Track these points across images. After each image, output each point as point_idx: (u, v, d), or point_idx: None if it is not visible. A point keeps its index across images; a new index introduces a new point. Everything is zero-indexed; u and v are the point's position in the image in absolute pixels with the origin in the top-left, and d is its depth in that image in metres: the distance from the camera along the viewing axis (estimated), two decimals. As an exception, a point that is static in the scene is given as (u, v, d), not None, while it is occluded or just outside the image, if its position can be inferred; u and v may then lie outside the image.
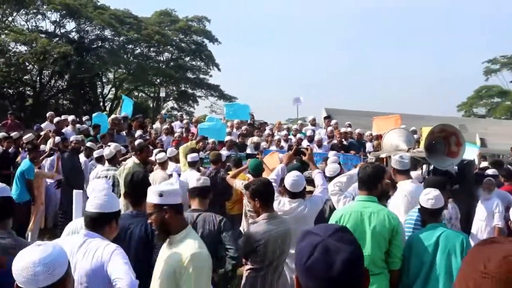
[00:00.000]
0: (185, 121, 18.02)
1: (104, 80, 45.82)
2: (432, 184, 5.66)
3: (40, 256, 2.41)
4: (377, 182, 5.01)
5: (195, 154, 10.24)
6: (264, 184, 5.29)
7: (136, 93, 48.30)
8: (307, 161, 7.04)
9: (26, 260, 2.41)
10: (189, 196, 5.48)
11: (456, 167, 8.80)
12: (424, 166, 9.57)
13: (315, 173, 6.47)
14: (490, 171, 9.72)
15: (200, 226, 5.19)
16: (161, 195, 3.67)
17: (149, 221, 3.73)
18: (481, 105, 55.35)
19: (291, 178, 5.88)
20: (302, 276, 1.77)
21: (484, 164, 11.92)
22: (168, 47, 48.41)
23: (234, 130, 16.26)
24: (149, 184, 4.74)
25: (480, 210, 8.66)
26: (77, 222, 4.55)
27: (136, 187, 4.53)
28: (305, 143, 14.85)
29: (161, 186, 3.93)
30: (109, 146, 10.69)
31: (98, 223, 3.60)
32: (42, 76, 38.58)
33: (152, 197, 3.69)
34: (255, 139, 14.96)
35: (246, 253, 5.11)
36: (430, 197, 4.86)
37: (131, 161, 8.79)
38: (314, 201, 5.97)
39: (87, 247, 3.52)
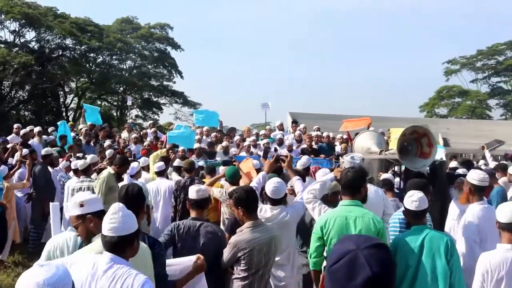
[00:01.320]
0: (153, 129, 17.90)
1: (66, 90, 45.15)
2: (414, 186, 5.73)
3: (44, 276, 2.34)
4: (360, 186, 5.03)
5: (161, 163, 10.16)
6: (247, 192, 5.27)
7: (99, 102, 47.71)
8: (286, 168, 7.06)
9: (30, 282, 2.34)
10: (189, 206, 5.50)
11: (428, 168, 8.89)
12: (396, 168, 9.68)
13: (295, 180, 6.49)
14: (460, 171, 9.87)
15: (203, 236, 5.21)
16: (82, 205, 3.66)
17: (76, 234, 3.65)
18: (443, 105, 56.32)
19: (272, 185, 5.88)
20: (326, 277, 1.78)
21: (453, 164, 12.10)
22: (131, 54, 48.22)
23: (204, 137, 16.20)
24: (144, 197, 4.64)
25: (453, 209, 8.77)
26: (60, 238, 4.45)
27: (132, 201, 4.42)
28: (273, 148, 14.92)
29: (79, 197, 3.89)
30: (79, 157, 10.58)
31: (119, 246, 3.41)
32: (2, 87, 37.80)
33: (73, 210, 3.64)
34: (224, 146, 14.94)
35: (232, 261, 5.09)
36: (414, 199, 4.88)
37: (106, 172, 8.69)
38: (296, 208, 5.98)
39: (115, 273, 3.30)
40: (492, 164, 12.31)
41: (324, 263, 5.04)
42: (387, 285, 1.74)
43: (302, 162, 9.41)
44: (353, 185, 5.01)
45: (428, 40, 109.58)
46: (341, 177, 5.16)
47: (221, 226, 8.49)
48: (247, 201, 5.18)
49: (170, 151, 12.67)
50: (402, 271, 4.75)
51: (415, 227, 4.92)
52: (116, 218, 3.39)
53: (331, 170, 7.13)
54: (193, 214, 5.44)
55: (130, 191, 4.49)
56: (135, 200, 4.43)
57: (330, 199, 6.23)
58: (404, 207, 5.01)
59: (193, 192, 5.43)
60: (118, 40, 44.69)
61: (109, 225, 3.38)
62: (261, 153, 14.45)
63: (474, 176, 6.00)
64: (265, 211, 5.86)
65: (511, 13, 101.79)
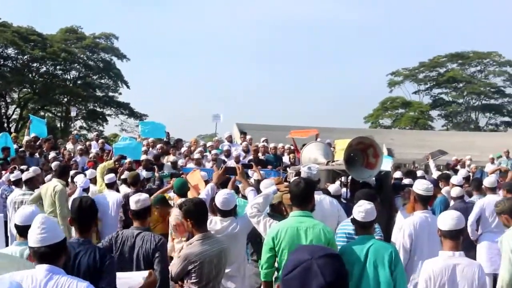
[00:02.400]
0: (101, 141, 17.64)
1: (8, 100, 44.12)
2: (363, 196, 5.83)
3: None
4: (311, 197, 5.09)
5: (112, 175, 10.02)
6: (196, 204, 5.26)
7: (42, 113, 46.70)
8: (239, 179, 7.08)
9: None
10: (131, 217, 5.47)
11: (374, 178, 9.06)
12: (343, 178, 9.81)
13: (248, 191, 6.48)
14: (406, 181, 10.09)
15: (138, 245, 5.15)
16: None
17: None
18: (387, 116, 57.50)
19: (222, 196, 5.88)
20: (281, 286, 1.81)
21: (397, 174, 12.35)
22: (75, 65, 47.52)
23: (151, 149, 16.05)
24: (97, 210, 4.66)
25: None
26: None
27: (85, 213, 4.42)
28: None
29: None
30: (23, 169, 10.35)
31: (51, 256, 3.45)
32: None
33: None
34: (171, 158, 14.83)
35: (182, 275, 5.06)
36: (361, 210, 4.95)
37: (56, 182, 8.60)
38: (246, 219, 5.98)
39: (56, 284, 3.32)
40: (436, 174, 12.63)
41: (275, 274, 5.07)
42: None
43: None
44: (305, 196, 5.06)
45: (372, 52, 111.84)
46: (292, 188, 5.20)
47: (169, 238, 8.44)
48: (196, 213, 5.17)
49: (117, 162, 12.50)
50: (346, 280, 4.79)
51: (361, 236, 5.00)
52: (42, 229, 3.43)
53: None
54: (135, 224, 5.40)
55: (83, 203, 4.51)
56: (88, 212, 4.47)
57: (276, 209, 6.34)
58: (353, 216, 5.10)
59: (133, 202, 5.41)
60: (62, 50, 43.97)
61: (36, 237, 3.43)
62: (209, 164, 14.41)
63: (419, 186, 6.19)
64: (215, 223, 5.84)
65: (452, 26, 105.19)
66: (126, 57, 49.77)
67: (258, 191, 6.57)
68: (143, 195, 5.57)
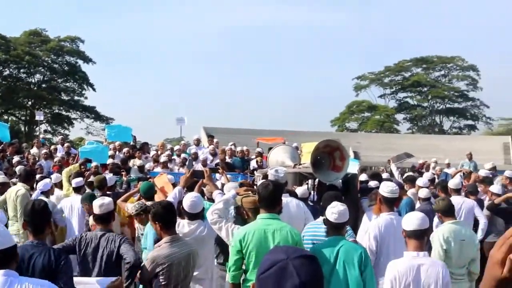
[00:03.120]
0: (66, 145, 17.43)
1: (-31, 104, 43.35)
2: (329, 198, 5.91)
3: None
4: (278, 200, 5.11)
5: (79, 179, 9.92)
6: (164, 207, 5.25)
7: (6, 117, 45.95)
8: (206, 182, 7.07)
9: None
10: (95, 221, 5.52)
11: (341, 181, 9.14)
12: (310, 181, 9.88)
13: (215, 194, 6.49)
14: (372, 183, 10.20)
15: (102, 246, 5.18)
16: None
17: None
18: (353, 119, 58.12)
19: (189, 199, 5.88)
20: (256, 285, 1.81)
21: (363, 176, 12.47)
22: (40, 68, 46.90)
23: (117, 152, 15.92)
24: (50, 213, 4.69)
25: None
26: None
27: (38, 216, 4.41)
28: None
29: None
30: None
31: (3, 260, 3.40)
32: None
33: None
34: (138, 162, 14.73)
35: (151, 277, 5.04)
36: (334, 211, 5.03)
37: (20, 186, 8.49)
38: None
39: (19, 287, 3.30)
40: (398, 177, 12.77)
41: (243, 276, 5.09)
42: None
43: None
44: (273, 198, 5.08)
45: (338, 57, 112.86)
46: (260, 191, 5.22)
47: (136, 243, 8.39)
48: (164, 216, 5.17)
49: (83, 166, 12.37)
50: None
51: (332, 237, 5.07)
52: None
53: (242, 184, 7.25)
54: (99, 227, 5.42)
55: (36, 206, 4.52)
56: (41, 215, 4.47)
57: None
58: (325, 217, 5.15)
59: (96, 207, 5.43)
60: (26, 53, 43.39)
61: None
62: (176, 168, 14.38)
63: (385, 189, 6.28)
64: (182, 226, 5.85)
65: (417, 31, 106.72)
66: (92, 61, 49.36)
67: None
68: (107, 199, 5.57)
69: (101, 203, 5.41)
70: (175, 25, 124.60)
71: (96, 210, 5.40)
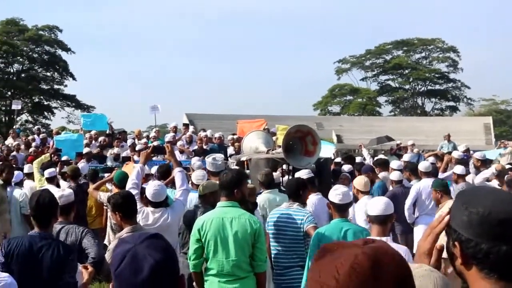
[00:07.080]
0: (42, 135, 17.26)
1: None
2: (294, 183, 6.19)
3: None
4: (237, 187, 5.06)
5: (52, 169, 9.81)
6: (124, 197, 5.19)
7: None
8: (168, 158, 6.93)
9: None
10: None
11: (314, 165, 9.11)
12: (284, 166, 9.85)
13: (176, 171, 6.36)
14: (345, 167, 10.20)
15: (62, 238, 5.08)
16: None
17: None
18: (335, 103, 58.15)
19: (152, 188, 5.82)
20: (115, 283, 1.82)
21: (337, 159, 12.48)
22: (18, 57, 46.34)
23: (94, 141, 15.80)
24: (57, 204, 4.59)
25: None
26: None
27: (43, 210, 4.36)
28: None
29: None
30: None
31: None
32: None
33: None
34: (115, 150, 14.63)
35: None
36: (338, 193, 5.09)
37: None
38: (175, 208, 5.92)
39: None
40: (370, 160, 12.71)
41: (205, 265, 5.06)
42: (172, 268, 1.85)
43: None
44: (229, 186, 5.03)
45: (320, 41, 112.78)
46: (220, 178, 5.19)
47: (110, 232, 8.30)
48: (124, 205, 5.10)
49: (54, 155, 12.24)
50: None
51: (337, 219, 5.11)
52: None
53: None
54: (59, 219, 5.17)
55: (41, 200, 4.40)
56: (46, 209, 4.39)
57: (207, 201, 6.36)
58: (329, 200, 5.20)
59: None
60: (3, 43, 42.90)
61: None
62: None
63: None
64: (147, 214, 5.78)
65: (397, 13, 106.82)
66: (71, 50, 48.95)
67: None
68: (67, 191, 5.49)
69: (61, 194, 5.31)
70: (156, 12, 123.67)
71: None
